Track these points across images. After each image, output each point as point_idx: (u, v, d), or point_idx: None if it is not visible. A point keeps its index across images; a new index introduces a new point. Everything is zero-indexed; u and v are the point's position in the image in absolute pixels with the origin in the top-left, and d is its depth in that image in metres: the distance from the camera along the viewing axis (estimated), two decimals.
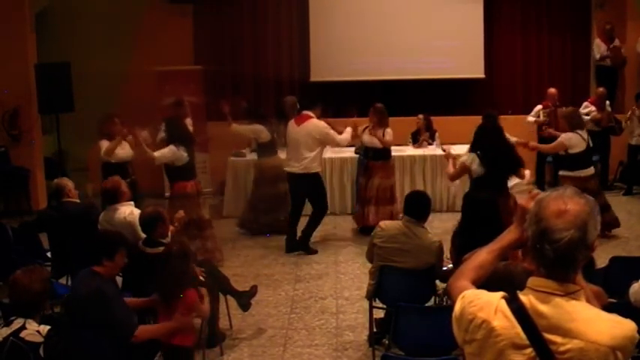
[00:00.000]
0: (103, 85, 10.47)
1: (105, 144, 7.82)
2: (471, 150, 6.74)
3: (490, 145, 6.63)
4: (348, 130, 8.09)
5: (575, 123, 7.94)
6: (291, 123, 8.04)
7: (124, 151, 7.89)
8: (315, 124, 7.91)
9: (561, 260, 1.92)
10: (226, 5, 11.81)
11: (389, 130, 8.46)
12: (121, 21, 10.74)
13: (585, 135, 7.89)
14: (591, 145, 7.98)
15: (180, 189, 7.30)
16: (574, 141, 7.81)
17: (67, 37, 10.60)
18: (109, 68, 10.42)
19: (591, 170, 8.02)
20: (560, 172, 8.09)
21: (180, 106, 8.70)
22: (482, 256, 2.28)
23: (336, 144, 8.27)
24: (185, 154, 7.23)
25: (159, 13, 11.14)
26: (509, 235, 2.26)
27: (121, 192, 5.77)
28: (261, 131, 8.55)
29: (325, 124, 7.96)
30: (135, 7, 10.92)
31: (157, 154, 7.25)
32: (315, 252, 7.94)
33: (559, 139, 8.01)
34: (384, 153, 8.49)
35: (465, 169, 6.73)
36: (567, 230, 1.89)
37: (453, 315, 2.10)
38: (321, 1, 11.68)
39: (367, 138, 8.44)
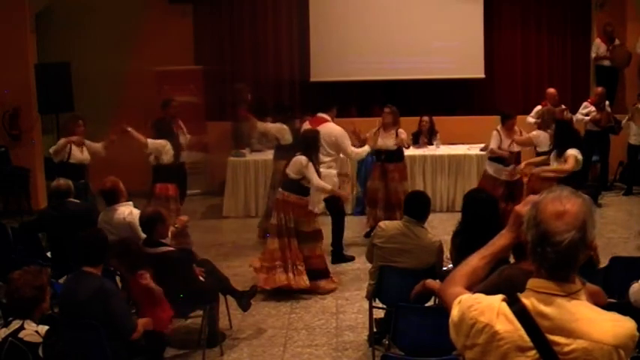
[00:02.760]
0: (103, 85, 10.47)
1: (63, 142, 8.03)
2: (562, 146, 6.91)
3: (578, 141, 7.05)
4: (366, 149, 7.81)
5: (546, 122, 8.05)
6: (306, 126, 7.76)
7: (81, 154, 8.04)
8: (331, 128, 7.53)
9: (563, 262, 1.92)
10: (226, 5, 11.83)
11: (402, 130, 8.32)
12: (121, 21, 10.74)
13: None
14: None
15: (163, 190, 7.54)
16: (541, 139, 7.97)
17: (67, 37, 10.59)
18: (109, 68, 10.43)
19: None
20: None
21: (167, 106, 8.65)
22: (474, 262, 2.25)
23: (347, 155, 7.80)
24: (172, 152, 7.50)
25: (159, 13, 11.14)
26: (500, 241, 2.25)
27: (119, 192, 5.77)
28: (286, 132, 8.25)
29: (341, 131, 7.57)
30: (135, 7, 10.92)
31: (149, 140, 7.54)
32: (352, 258, 7.60)
33: (529, 135, 8.28)
34: (398, 154, 8.29)
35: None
36: (568, 232, 1.89)
37: (451, 321, 2.07)
38: (321, 1, 11.68)
39: (380, 140, 8.17)
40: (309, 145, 6.85)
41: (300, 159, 6.71)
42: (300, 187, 6.73)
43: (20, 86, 9.61)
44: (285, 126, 8.31)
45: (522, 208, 2.16)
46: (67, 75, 9.25)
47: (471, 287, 2.19)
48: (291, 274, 6.58)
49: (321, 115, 7.72)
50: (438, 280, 4.60)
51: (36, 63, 9.60)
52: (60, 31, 10.75)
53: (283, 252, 6.63)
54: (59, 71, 9.20)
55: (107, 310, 4.19)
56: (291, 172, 6.78)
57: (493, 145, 8.18)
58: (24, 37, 9.73)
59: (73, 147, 7.96)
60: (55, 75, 9.13)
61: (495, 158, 8.25)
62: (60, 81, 9.13)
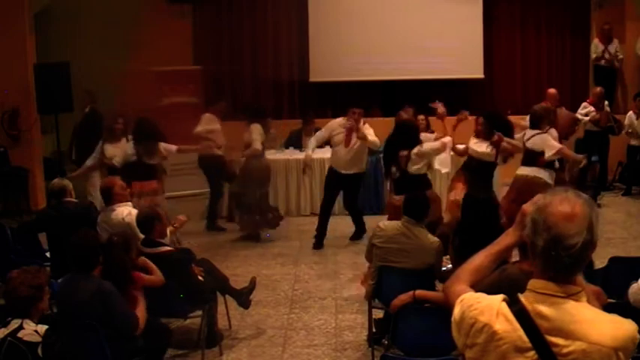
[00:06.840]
0: (103, 85, 10.46)
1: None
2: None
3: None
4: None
5: (533, 121, 8.03)
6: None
7: None
8: None
9: (576, 264, 1.92)
10: (225, 6, 11.84)
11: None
12: (121, 21, 10.73)
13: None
14: None
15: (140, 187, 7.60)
16: (527, 136, 7.90)
17: (67, 37, 10.59)
18: (109, 68, 10.41)
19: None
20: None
21: (218, 105, 9.15)
22: (479, 260, 2.26)
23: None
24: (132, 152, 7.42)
25: (158, 13, 11.14)
26: (507, 239, 2.24)
27: (114, 193, 5.75)
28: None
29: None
30: (134, 7, 10.91)
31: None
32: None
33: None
34: None
35: None
36: (579, 235, 1.89)
37: (453, 319, 2.08)
38: (320, 1, 11.69)
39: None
40: (410, 137, 6.84)
41: (413, 152, 6.67)
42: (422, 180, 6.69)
43: (19, 86, 9.59)
44: (257, 125, 8.32)
45: (530, 207, 2.15)
46: (67, 75, 9.24)
47: (476, 285, 2.20)
48: None
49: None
50: (428, 291, 4.58)
51: (35, 63, 9.58)
52: (59, 31, 10.75)
53: None
54: (58, 71, 9.18)
55: (108, 310, 4.17)
56: (411, 170, 6.70)
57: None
58: (23, 37, 9.72)
59: None
60: (54, 75, 9.11)
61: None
62: (59, 81, 9.11)
